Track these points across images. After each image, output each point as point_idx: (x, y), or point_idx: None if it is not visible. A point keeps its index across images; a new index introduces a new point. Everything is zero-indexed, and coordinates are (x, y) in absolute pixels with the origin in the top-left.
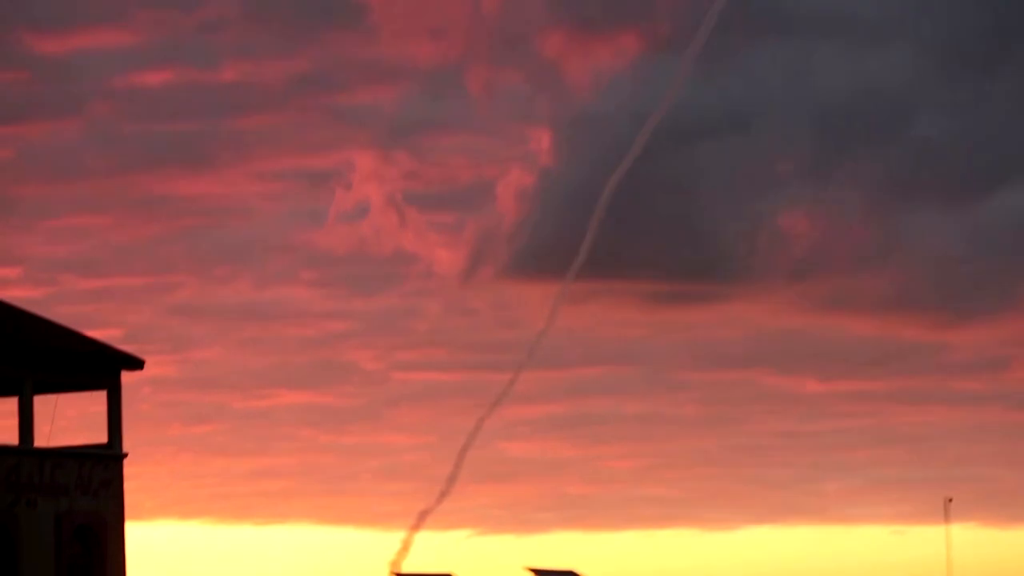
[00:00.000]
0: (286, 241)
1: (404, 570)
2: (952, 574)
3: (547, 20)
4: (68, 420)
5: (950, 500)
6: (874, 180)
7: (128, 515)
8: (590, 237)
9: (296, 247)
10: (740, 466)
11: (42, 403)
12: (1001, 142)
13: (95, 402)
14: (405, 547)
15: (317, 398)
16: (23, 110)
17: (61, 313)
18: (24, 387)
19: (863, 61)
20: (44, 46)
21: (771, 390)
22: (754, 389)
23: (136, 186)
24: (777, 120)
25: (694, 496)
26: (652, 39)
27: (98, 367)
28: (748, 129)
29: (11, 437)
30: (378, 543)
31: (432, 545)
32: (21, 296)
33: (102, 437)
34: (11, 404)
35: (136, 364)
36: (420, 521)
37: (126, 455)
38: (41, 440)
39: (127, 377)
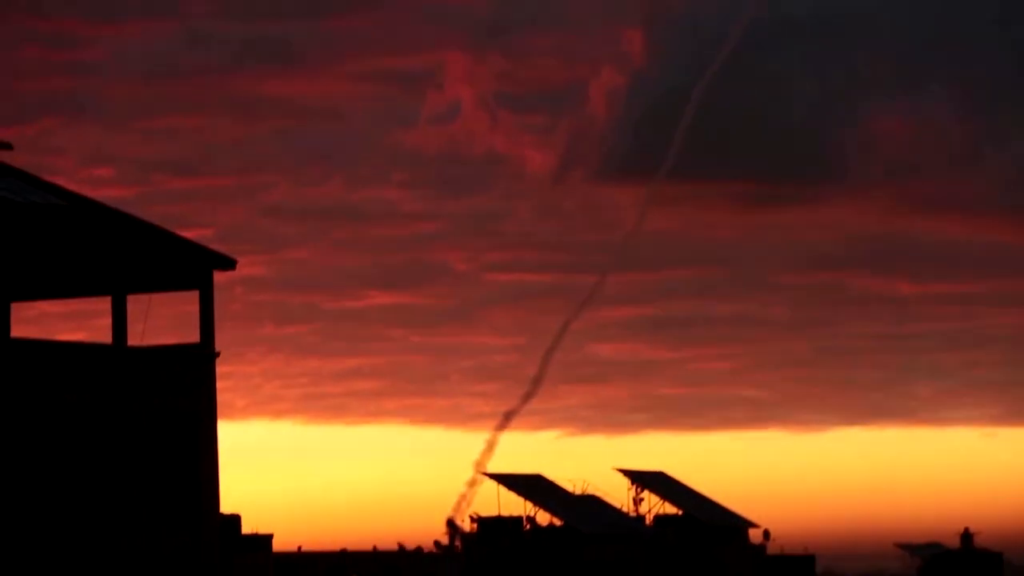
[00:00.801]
0: (377, 142)
1: (491, 470)
2: None
3: None
4: (161, 319)
5: None
6: (970, 82)
7: (220, 414)
8: (680, 138)
9: (387, 148)
10: (831, 368)
11: (135, 303)
12: None
13: (187, 302)
14: (489, 447)
15: (408, 299)
16: (118, 9)
17: (153, 213)
18: (117, 287)
19: None
20: None
21: (863, 292)
22: (846, 291)
23: (228, 86)
24: (871, 20)
25: (784, 398)
26: None
27: (190, 267)
28: (842, 30)
29: (105, 336)
30: (467, 443)
31: (522, 445)
32: (114, 195)
33: (194, 337)
34: (104, 304)
35: (228, 264)
36: (505, 422)
37: (218, 354)
38: (134, 339)
39: (219, 277)
